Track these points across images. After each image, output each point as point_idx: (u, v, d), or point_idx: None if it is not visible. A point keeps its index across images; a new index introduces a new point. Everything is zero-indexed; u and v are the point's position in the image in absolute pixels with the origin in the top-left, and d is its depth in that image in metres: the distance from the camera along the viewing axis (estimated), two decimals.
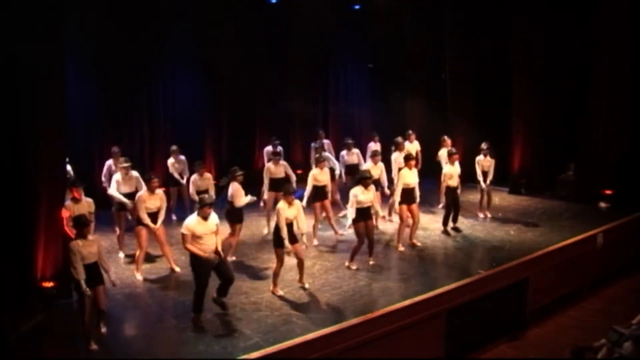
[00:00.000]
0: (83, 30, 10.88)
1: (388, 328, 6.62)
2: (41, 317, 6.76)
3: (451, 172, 9.84)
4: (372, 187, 8.21)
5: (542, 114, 12.67)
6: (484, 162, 10.84)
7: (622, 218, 10.44)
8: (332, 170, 10.29)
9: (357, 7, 15.79)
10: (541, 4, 12.40)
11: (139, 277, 7.98)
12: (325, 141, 12.22)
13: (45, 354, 6.17)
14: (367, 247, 8.27)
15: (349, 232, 9.03)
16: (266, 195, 9.75)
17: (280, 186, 8.31)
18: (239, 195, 8.30)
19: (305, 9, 14.64)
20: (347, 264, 8.30)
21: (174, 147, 10.93)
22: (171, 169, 10.84)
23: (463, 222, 10.52)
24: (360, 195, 7.94)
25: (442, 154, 11.33)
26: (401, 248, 9.09)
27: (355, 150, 11.09)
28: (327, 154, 10.89)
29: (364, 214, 8.02)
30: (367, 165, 10.06)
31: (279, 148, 11.51)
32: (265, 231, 9.89)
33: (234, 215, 8.44)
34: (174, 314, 6.93)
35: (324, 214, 9.61)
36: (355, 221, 7.96)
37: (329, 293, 7.36)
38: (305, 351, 5.97)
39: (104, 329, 6.21)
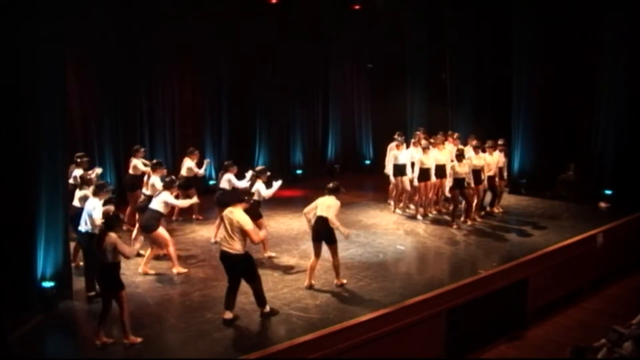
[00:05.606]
0: (84, 31, 10.88)
1: (388, 328, 6.61)
2: (41, 317, 6.76)
3: (489, 161, 10.78)
4: (466, 162, 10.28)
5: (542, 114, 12.67)
6: (501, 158, 11.02)
7: (622, 218, 10.43)
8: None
9: (357, 7, 15.81)
10: (541, 3, 12.41)
11: (181, 270, 8.11)
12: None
13: (45, 354, 6.18)
14: (465, 209, 10.47)
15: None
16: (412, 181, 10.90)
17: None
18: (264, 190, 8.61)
19: (305, 9, 14.66)
20: (454, 226, 10.18)
21: (191, 149, 10.81)
22: (188, 172, 10.51)
23: (464, 221, 10.52)
24: (457, 167, 10.07)
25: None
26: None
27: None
28: None
29: (459, 183, 10.09)
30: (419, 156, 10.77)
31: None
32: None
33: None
34: (174, 314, 6.93)
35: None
36: (451, 189, 10.25)
37: (329, 293, 7.36)
38: (305, 351, 5.97)
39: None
